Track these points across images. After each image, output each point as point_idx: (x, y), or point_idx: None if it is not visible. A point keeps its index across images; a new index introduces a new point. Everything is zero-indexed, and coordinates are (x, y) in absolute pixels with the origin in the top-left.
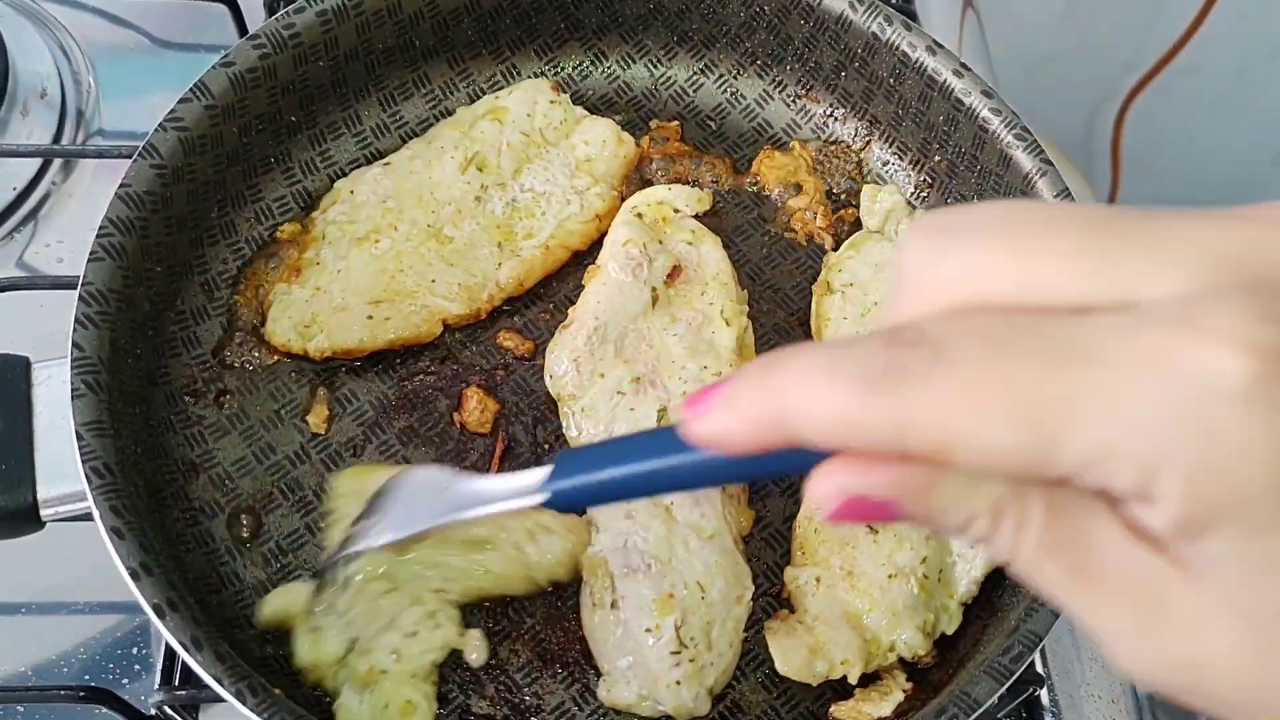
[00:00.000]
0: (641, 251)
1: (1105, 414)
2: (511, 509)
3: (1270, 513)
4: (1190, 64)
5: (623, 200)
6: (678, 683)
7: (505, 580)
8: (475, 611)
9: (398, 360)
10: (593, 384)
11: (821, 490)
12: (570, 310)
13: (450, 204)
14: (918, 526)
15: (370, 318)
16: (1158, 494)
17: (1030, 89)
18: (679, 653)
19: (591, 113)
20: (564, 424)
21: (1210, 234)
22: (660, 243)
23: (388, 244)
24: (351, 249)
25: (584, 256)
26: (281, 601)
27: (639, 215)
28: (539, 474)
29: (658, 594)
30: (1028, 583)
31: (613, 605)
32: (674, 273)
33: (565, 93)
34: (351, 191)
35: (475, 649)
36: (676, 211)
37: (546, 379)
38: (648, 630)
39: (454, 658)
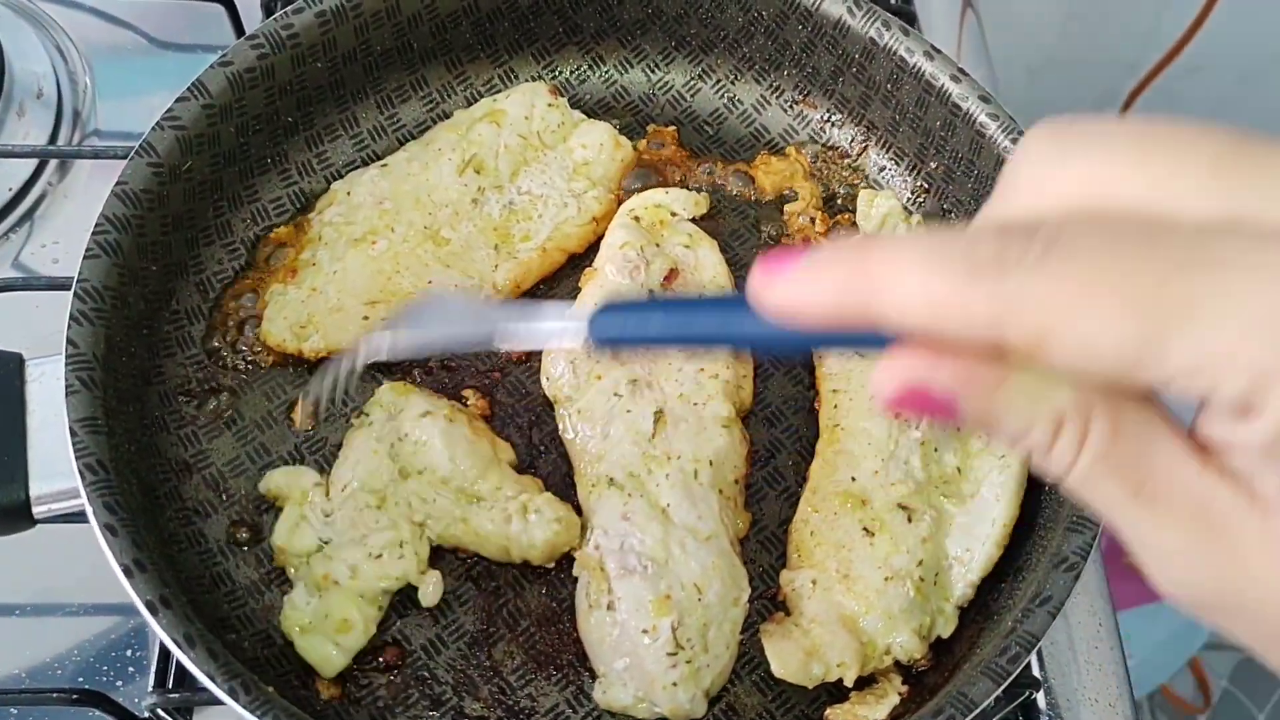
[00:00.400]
0: (639, 254)
1: (1227, 315)
2: (548, 343)
3: None
4: (1192, 65)
5: (620, 203)
6: (674, 684)
7: (482, 540)
8: (469, 588)
9: (392, 362)
10: (589, 386)
11: (887, 376)
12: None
13: (447, 206)
14: (972, 429)
15: (366, 318)
16: (1264, 404)
17: (1032, 90)
18: (676, 654)
19: (589, 117)
20: (560, 426)
21: None
22: (657, 246)
23: (384, 245)
24: (348, 250)
25: (581, 259)
26: (284, 480)
27: (636, 218)
28: (583, 311)
29: (655, 595)
30: (1077, 496)
31: (609, 606)
32: (671, 275)
33: (563, 96)
34: (348, 193)
35: (430, 589)
36: (674, 215)
37: (543, 380)
38: (645, 631)
39: (451, 654)
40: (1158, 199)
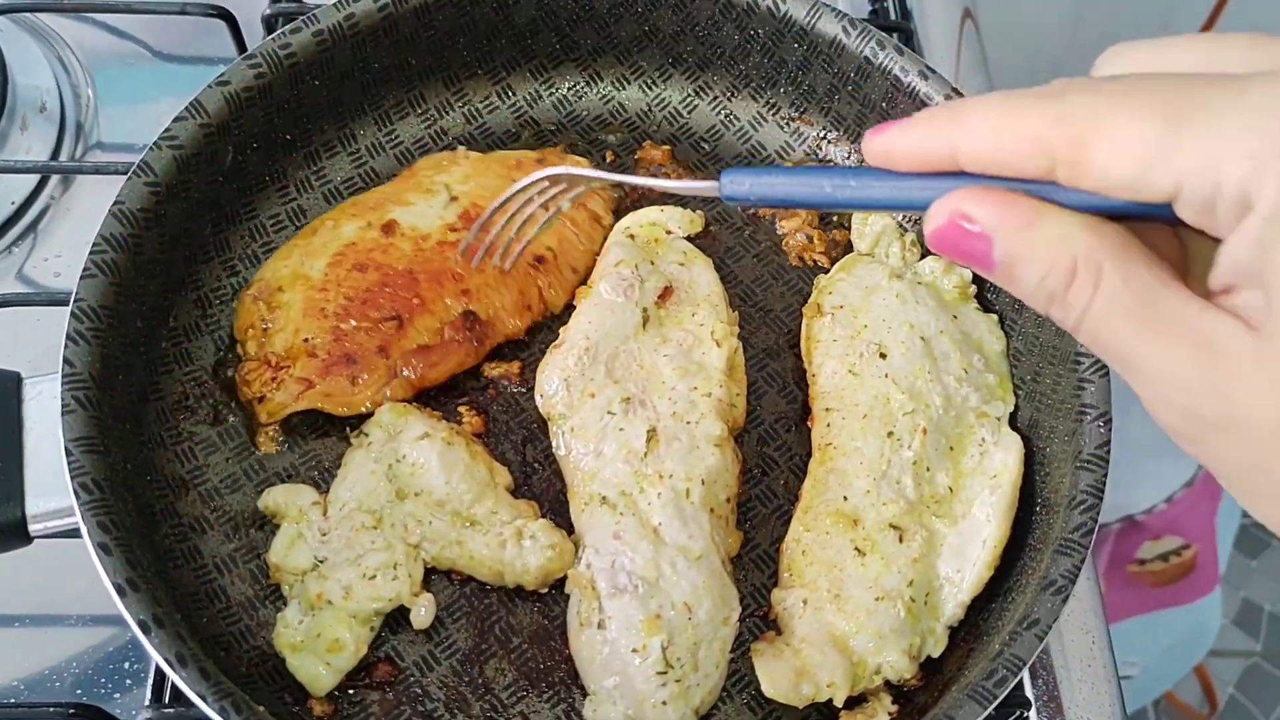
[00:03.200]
0: (633, 272)
1: (1230, 112)
2: (686, 191)
3: None
4: None
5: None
6: (664, 703)
7: (475, 564)
8: (461, 605)
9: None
10: (583, 403)
11: (939, 208)
12: (561, 330)
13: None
14: (999, 279)
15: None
16: (1259, 191)
17: None
18: (665, 673)
19: (585, 134)
20: (553, 443)
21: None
22: (652, 264)
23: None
24: None
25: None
26: (283, 497)
27: (631, 236)
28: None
29: (645, 614)
30: (1090, 339)
31: (600, 625)
32: (665, 294)
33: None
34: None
35: (422, 612)
36: (669, 233)
37: (537, 398)
38: (634, 650)
39: (442, 664)
40: (1205, 65)
